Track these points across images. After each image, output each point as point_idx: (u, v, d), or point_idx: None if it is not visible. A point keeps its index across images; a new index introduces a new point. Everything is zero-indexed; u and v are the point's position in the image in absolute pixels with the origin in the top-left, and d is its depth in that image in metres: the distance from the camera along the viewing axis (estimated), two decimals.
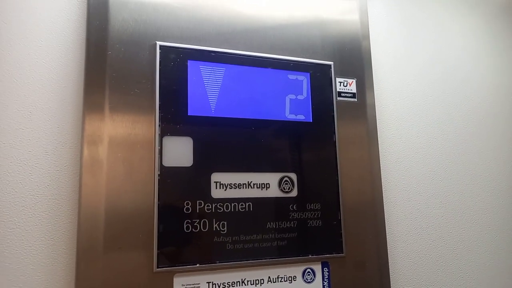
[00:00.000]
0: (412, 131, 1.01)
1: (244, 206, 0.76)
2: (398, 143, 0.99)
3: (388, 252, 0.88)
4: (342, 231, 0.83)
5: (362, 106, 0.91)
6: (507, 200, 1.09)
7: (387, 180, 0.95)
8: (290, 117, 0.84)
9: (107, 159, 0.69)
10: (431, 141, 1.02)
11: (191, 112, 0.75)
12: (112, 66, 0.72)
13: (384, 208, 0.90)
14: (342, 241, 0.82)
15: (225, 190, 0.75)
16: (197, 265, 0.71)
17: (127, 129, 0.71)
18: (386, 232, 0.89)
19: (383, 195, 0.90)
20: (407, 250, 0.94)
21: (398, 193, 0.96)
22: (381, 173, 0.91)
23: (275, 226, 0.78)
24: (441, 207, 1.00)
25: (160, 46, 0.75)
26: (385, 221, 0.89)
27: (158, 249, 0.69)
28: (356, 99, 0.90)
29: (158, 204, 0.70)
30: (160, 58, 0.75)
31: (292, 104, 0.84)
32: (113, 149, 0.69)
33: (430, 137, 1.03)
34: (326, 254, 0.81)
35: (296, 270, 0.78)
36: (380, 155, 0.92)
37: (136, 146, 0.71)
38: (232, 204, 0.75)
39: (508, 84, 1.18)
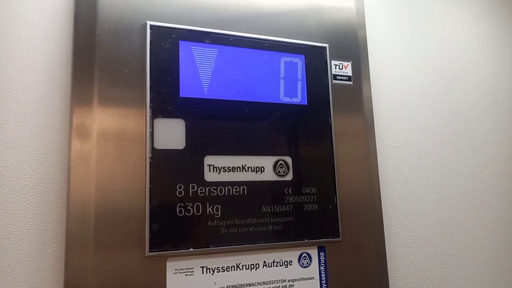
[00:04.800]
0: (409, 116, 1.00)
1: (238, 189, 0.75)
2: (395, 127, 0.97)
3: (385, 237, 0.87)
4: (339, 215, 0.81)
5: (358, 89, 0.90)
6: (505, 185, 1.08)
7: (384, 164, 0.93)
8: (285, 99, 0.82)
9: (97, 141, 0.67)
10: (428, 126, 1.01)
11: (183, 93, 0.74)
12: (102, 46, 0.70)
13: (381, 193, 0.89)
14: (338, 226, 0.81)
15: (218, 173, 0.74)
16: (191, 249, 0.69)
17: (117, 111, 0.69)
18: (383, 217, 0.87)
19: (380, 179, 0.89)
20: (404, 235, 0.93)
21: (395, 177, 0.94)
22: (378, 157, 0.90)
23: (270, 210, 0.76)
24: (438, 193, 0.99)
25: (151, 26, 0.73)
26: (382, 205, 0.88)
27: (150, 233, 0.67)
28: (351, 82, 0.89)
29: (150, 188, 0.68)
30: (150, 38, 0.73)
31: (286, 87, 0.82)
32: (102, 131, 0.67)
33: (427, 121, 1.01)
34: (322, 239, 0.79)
35: (292, 255, 0.77)
36: (376, 139, 0.91)
37: (126, 128, 0.69)
38: (226, 188, 0.74)
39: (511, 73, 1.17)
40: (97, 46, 0.70)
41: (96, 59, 0.69)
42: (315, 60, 0.86)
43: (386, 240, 0.87)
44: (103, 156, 0.67)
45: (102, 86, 0.69)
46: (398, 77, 1.00)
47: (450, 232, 0.98)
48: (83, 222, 0.64)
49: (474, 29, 1.15)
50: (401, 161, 0.96)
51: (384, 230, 0.87)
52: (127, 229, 0.66)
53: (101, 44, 0.70)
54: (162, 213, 0.69)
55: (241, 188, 0.75)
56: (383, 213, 0.88)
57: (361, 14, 0.95)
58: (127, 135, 0.69)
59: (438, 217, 0.97)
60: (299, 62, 0.85)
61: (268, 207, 0.76)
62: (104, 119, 0.68)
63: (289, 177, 0.79)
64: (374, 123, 0.91)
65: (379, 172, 0.89)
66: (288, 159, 0.80)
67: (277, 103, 0.81)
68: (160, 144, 0.70)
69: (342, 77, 0.88)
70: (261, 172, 0.77)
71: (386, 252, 0.86)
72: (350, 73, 0.89)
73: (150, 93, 0.71)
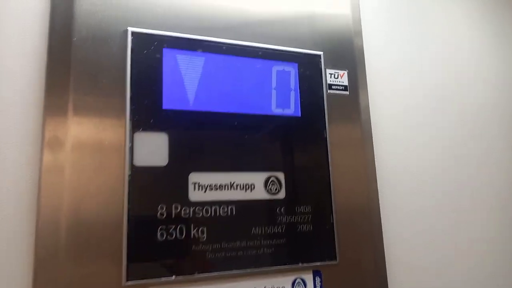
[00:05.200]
0: (409, 128, 0.94)
1: (226, 209, 0.68)
2: (394, 140, 0.92)
3: (386, 258, 0.81)
4: (335, 236, 0.75)
5: (354, 99, 0.84)
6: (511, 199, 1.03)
7: (383, 180, 0.87)
8: (277, 111, 0.76)
9: (71, 158, 0.61)
10: (428, 138, 0.96)
11: (166, 105, 0.68)
12: (78, 55, 0.64)
13: (380, 210, 0.83)
14: (335, 247, 0.75)
15: (204, 192, 0.68)
16: (173, 277, 0.63)
17: (94, 124, 0.63)
18: (383, 236, 0.81)
19: (379, 195, 0.83)
20: (405, 255, 0.86)
21: (395, 194, 0.89)
22: (376, 171, 0.84)
23: (261, 231, 0.70)
24: (442, 209, 0.93)
25: (132, 32, 0.68)
26: (381, 224, 0.82)
27: (127, 259, 0.61)
28: (348, 92, 0.84)
29: (129, 209, 0.62)
30: (132, 46, 0.67)
31: (278, 97, 0.77)
32: (77, 146, 0.61)
33: (428, 134, 0.96)
34: (318, 262, 0.73)
35: (285, 280, 0.71)
36: (375, 152, 0.85)
37: (104, 143, 0.63)
38: (213, 208, 0.68)
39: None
40: (73, 54, 0.64)
41: (72, 68, 0.63)
42: (309, 69, 0.81)
43: (386, 261, 0.81)
44: (77, 174, 0.61)
45: (78, 97, 0.63)
46: (397, 87, 0.95)
47: (456, 251, 0.92)
48: (53, 246, 0.58)
49: (478, 37, 1.11)
50: (402, 176, 0.90)
51: (385, 250, 0.81)
52: (102, 255, 0.60)
53: (78, 52, 0.64)
54: (142, 237, 0.62)
55: (229, 208, 0.69)
56: (383, 232, 0.82)
57: (357, 22, 0.90)
58: (105, 151, 0.63)
59: (443, 235, 0.92)
60: (292, 71, 0.79)
61: (259, 228, 0.70)
62: (79, 133, 0.62)
63: (282, 195, 0.73)
64: (373, 135, 0.86)
65: (378, 188, 0.83)
66: (281, 175, 0.74)
67: (268, 115, 0.75)
68: (140, 161, 0.64)
69: (338, 87, 0.83)
70: (251, 190, 0.71)
71: (387, 275, 0.80)
72: (346, 83, 0.84)
73: (130, 105, 0.65)
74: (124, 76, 0.66)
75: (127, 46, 0.67)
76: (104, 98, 0.64)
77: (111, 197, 0.62)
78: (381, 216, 0.83)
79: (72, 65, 0.64)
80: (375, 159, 0.85)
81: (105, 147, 0.63)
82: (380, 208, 0.83)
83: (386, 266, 0.80)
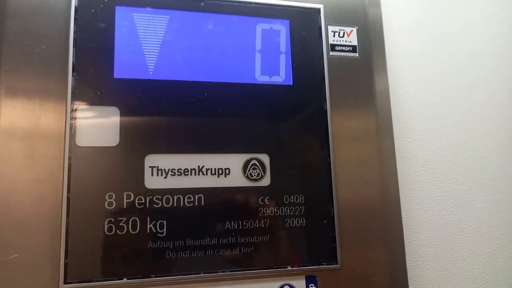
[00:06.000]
0: (444, 96, 0.75)
1: (192, 199, 0.56)
2: (423, 114, 0.73)
3: (407, 263, 0.64)
4: (337, 234, 0.60)
5: (366, 63, 0.67)
6: None
7: (406, 162, 0.70)
8: (262, 79, 0.62)
9: None
10: (458, 116, 0.76)
11: (118, 74, 0.56)
12: (13, 18, 0.55)
13: (401, 202, 0.65)
14: (336, 247, 0.59)
15: (165, 177, 0.56)
16: (123, 280, 0.52)
17: (28, 99, 0.53)
18: (404, 236, 0.64)
19: (400, 184, 0.66)
20: (435, 259, 0.68)
21: (424, 180, 0.70)
22: (396, 153, 0.66)
23: (238, 226, 0.57)
24: (484, 201, 0.73)
25: None
26: (402, 219, 0.65)
27: (66, 258, 0.50)
28: (357, 54, 0.67)
29: (68, 198, 0.52)
30: (77, 4, 0.56)
31: (264, 62, 0.63)
32: (6, 126, 0.52)
33: (457, 110, 0.76)
34: (313, 266, 0.58)
35: (268, 287, 0.57)
36: (394, 130, 0.68)
37: (40, 120, 0.53)
38: (175, 197, 0.55)
39: None
40: (8, 18, 0.55)
41: (5, 35, 0.54)
42: (304, 27, 0.65)
43: (408, 268, 0.64)
44: (6, 158, 0.51)
45: (10, 68, 0.53)
46: (423, 45, 0.75)
47: (499, 255, 0.72)
48: None
49: None
50: (434, 157, 0.72)
51: (406, 254, 0.64)
52: (36, 252, 0.50)
53: (12, 15, 0.55)
54: (84, 232, 0.52)
55: (196, 197, 0.56)
56: (404, 230, 0.65)
57: None
58: (41, 131, 0.53)
59: (483, 236, 0.72)
60: (282, 29, 0.64)
61: (235, 223, 0.57)
62: (9, 110, 0.52)
63: (266, 181, 0.59)
64: (391, 108, 0.68)
65: (398, 173, 0.66)
66: (265, 158, 0.60)
67: (250, 84, 0.61)
68: (84, 141, 0.54)
69: (343, 48, 0.66)
70: (225, 176, 0.58)
71: (409, 284, 0.63)
72: (354, 42, 0.67)
73: (72, 74, 0.55)
74: (66, 40, 0.55)
75: (71, 4, 0.56)
76: (41, 68, 0.54)
77: (48, 184, 0.52)
78: (403, 211, 0.65)
79: (6, 32, 0.54)
80: (395, 136, 0.68)
81: (42, 127, 0.53)
82: (401, 200, 0.66)
83: (408, 272, 0.63)
